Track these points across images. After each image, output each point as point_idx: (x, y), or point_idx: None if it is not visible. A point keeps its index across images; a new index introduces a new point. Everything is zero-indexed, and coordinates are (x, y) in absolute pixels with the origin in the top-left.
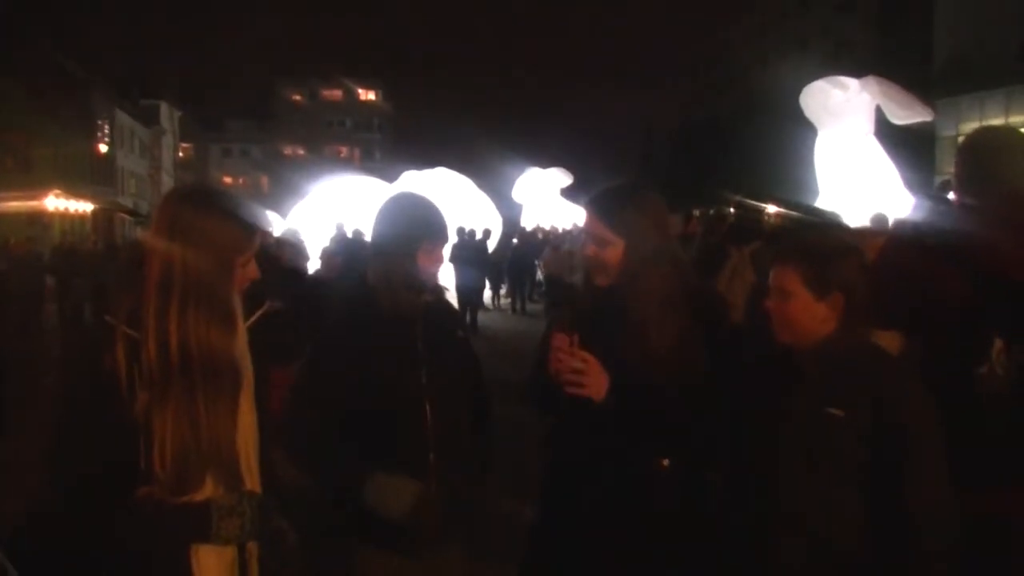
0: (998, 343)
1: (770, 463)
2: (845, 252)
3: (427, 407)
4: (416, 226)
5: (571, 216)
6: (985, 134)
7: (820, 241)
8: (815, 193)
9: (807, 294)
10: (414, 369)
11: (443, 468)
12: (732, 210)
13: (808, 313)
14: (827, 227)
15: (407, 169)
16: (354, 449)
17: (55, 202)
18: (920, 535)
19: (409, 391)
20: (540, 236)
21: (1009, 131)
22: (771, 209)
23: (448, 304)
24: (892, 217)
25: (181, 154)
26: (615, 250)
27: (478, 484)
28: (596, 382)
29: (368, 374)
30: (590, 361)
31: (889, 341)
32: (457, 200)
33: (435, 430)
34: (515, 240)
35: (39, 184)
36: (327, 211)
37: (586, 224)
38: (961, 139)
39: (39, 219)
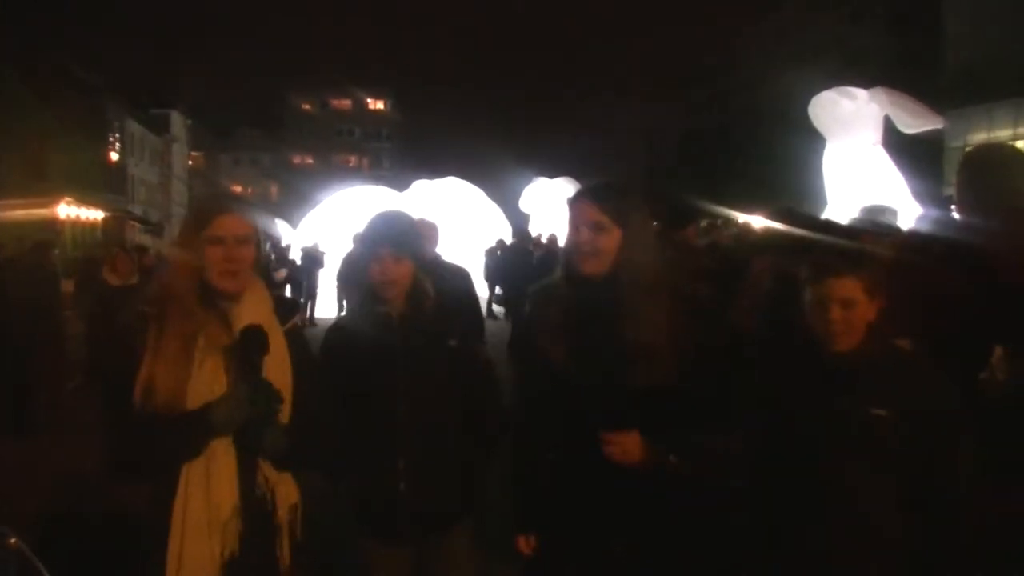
0: (998, 350)
1: (812, 459)
2: (880, 258)
3: (400, 411)
4: (368, 235)
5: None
6: (983, 151)
7: (865, 249)
8: (820, 202)
9: (866, 300)
10: (390, 375)
11: (413, 471)
12: (751, 222)
13: (866, 317)
14: (851, 235)
15: (415, 178)
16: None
17: (67, 209)
18: (953, 517)
19: (383, 396)
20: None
21: (1007, 148)
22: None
23: (444, 311)
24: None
25: (191, 162)
26: (611, 237)
27: (460, 485)
28: (630, 448)
29: (350, 375)
30: (613, 438)
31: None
32: (468, 209)
33: (408, 434)
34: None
35: (51, 191)
36: (337, 220)
37: (579, 213)
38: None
39: (51, 226)
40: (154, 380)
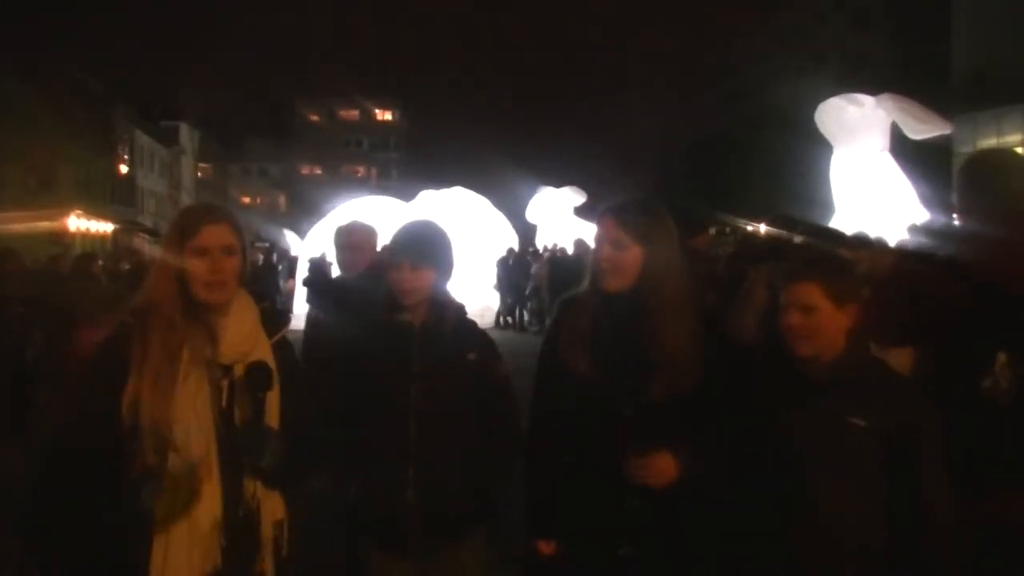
0: (1001, 357)
1: (790, 466)
2: (851, 265)
3: (412, 421)
4: (391, 244)
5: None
6: (983, 156)
7: (831, 255)
8: (829, 210)
9: (829, 305)
10: (404, 384)
11: (423, 481)
12: (756, 228)
13: (833, 324)
14: (836, 244)
15: (423, 188)
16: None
17: (77, 222)
18: (933, 521)
19: (396, 404)
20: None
21: (1006, 152)
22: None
23: (466, 324)
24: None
25: (200, 174)
26: (632, 254)
27: (471, 499)
28: (664, 470)
29: (363, 384)
30: (644, 463)
31: (901, 358)
32: (474, 219)
33: (419, 444)
34: (510, 261)
35: (61, 203)
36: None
37: (602, 229)
38: None
39: (60, 238)
40: (140, 395)
